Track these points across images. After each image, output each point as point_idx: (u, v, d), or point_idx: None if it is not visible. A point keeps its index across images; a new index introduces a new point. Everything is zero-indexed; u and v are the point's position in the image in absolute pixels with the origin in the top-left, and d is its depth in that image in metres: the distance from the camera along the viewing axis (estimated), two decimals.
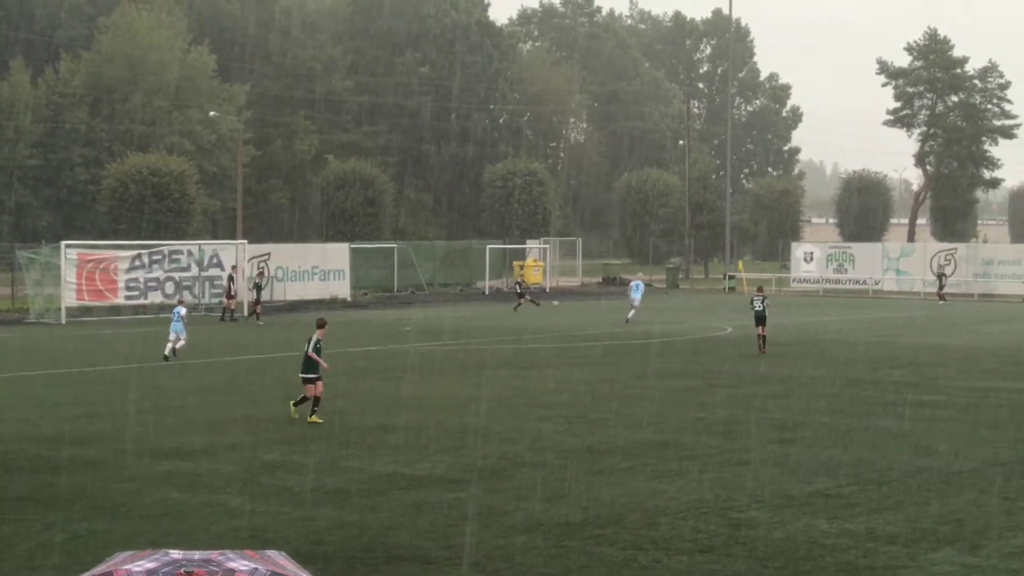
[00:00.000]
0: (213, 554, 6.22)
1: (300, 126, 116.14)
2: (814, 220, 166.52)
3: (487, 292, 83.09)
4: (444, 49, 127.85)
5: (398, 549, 16.66)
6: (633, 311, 58.30)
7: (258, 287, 61.06)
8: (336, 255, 76.32)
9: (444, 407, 29.46)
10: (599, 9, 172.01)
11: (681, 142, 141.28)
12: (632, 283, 61.32)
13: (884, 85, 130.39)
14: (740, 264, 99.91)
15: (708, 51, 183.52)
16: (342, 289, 74.78)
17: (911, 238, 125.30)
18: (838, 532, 17.37)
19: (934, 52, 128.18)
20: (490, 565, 15.91)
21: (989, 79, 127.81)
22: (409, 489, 20.29)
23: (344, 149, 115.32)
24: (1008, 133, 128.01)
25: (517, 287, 70.14)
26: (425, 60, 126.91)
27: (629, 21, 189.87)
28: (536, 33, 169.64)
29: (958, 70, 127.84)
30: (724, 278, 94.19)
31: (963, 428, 26.51)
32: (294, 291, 71.91)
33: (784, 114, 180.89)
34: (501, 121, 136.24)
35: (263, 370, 38.14)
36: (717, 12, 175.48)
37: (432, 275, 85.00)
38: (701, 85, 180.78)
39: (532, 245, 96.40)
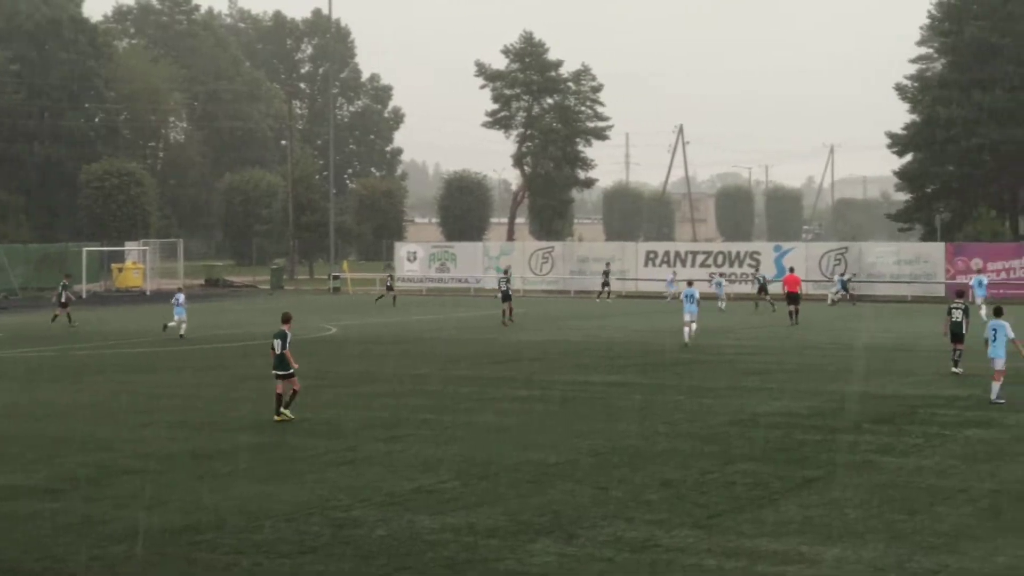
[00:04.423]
0: None
1: None
2: (417, 220, 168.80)
3: (84, 296, 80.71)
4: (36, 45, 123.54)
5: None
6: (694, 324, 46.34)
7: None
8: None
9: (40, 415, 28.49)
10: (197, 7, 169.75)
11: (284, 142, 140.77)
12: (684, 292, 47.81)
13: (483, 87, 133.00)
14: (345, 264, 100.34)
15: (309, 51, 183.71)
16: None
17: (510, 237, 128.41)
18: (440, 527, 17.60)
19: (530, 55, 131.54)
20: None
21: (582, 82, 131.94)
22: (2, 500, 19.52)
23: None
24: (601, 135, 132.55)
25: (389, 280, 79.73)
26: (16, 57, 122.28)
27: (229, 20, 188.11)
28: (133, 31, 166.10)
29: (553, 73, 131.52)
30: (329, 278, 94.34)
31: (559, 421, 27.32)
32: None
33: (386, 115, 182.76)
34: (97, 120, 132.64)
35: None
36: (317, 12, 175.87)
37: (26, 279, 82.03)
38: (303, 85, 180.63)
39: (131, 247, 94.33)
